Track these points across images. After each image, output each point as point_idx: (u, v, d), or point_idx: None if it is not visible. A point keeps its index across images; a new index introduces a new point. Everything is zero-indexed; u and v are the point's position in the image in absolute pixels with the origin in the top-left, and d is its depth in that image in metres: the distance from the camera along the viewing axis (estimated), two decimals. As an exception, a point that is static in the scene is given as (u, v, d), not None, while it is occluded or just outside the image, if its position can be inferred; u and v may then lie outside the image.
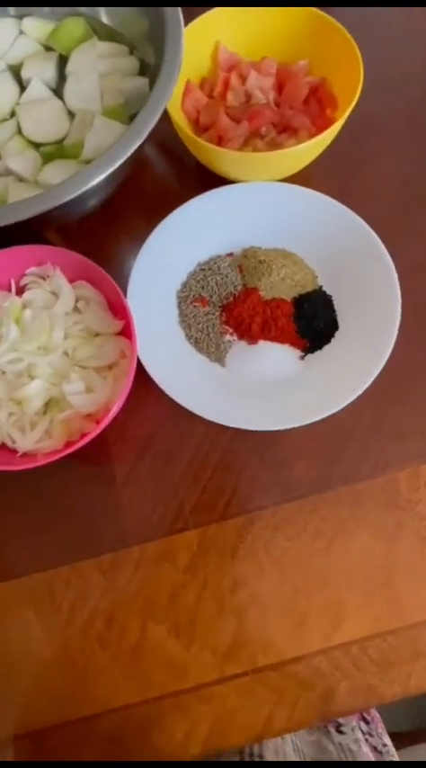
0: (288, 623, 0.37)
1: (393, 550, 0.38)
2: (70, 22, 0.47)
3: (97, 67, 0.46)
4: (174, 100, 0.45)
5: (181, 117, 0.44)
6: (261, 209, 0.45)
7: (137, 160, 0.38)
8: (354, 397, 0.38)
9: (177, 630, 0.38)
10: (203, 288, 0.44)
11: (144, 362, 0.39)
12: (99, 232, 0.47)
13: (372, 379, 0.38)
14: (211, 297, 0.44)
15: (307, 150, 0.40)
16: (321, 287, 0.44)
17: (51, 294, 0.40)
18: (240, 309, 0.43)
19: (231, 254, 0.46)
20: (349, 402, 0.38)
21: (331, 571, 0.38)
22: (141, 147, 0.36)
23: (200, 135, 0.46)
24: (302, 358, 0.42)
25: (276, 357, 0.42)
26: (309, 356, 0.42)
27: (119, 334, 0.40)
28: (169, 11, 0.40)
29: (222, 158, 0.41)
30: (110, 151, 0.35)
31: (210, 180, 0.45)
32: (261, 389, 0.42)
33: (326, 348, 0.42)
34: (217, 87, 0.44)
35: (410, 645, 0.36)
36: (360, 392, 0.38)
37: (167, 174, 0.50)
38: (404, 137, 0.49)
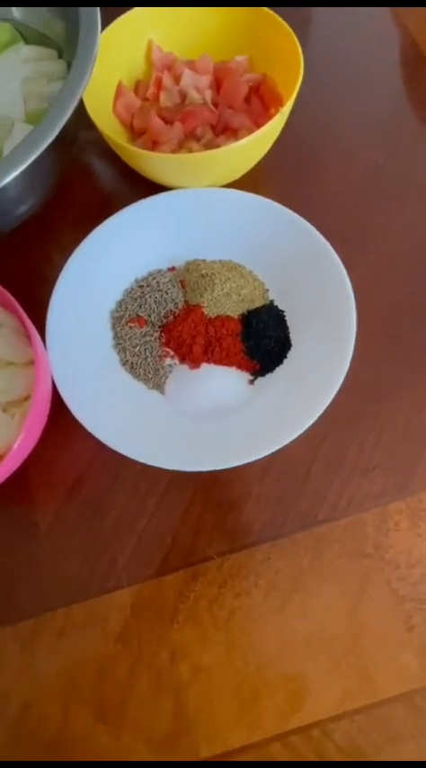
0: (236, 703, 0.31)
1: (360, 608, 0.32)
2: (-5, 28, 0.44)
3: (20, 73, 0.42)
4: (104, 104, 0.41)
5: (110, 121, 0.40)
6: (205, 218, 0.40)
7: (68, 167, 0.34)
8: (309, 423, 0.32)
9: (105, 715, 0.31)
10: (141, 306, 0.39)
11: (65, 397, 0.33)
12: (29, 247, 0.43)
13: (328, 401, 0.33)
14: (150, 316, 0.39)
15: (246, 149, 0.35)
16: (272, 301, 0.39)
17: None
18: (180, 329, 0.38)
19: (173, 269, 0.41)
20: (303, 431, 0.32)
21: (287, 635, 0.32)
22: (64, 152, 0.32)
23: (135, 140, 0.42)
24: (251, 382, 0.37)
25: (222, 382, 0.37)
26: (260, 380, 0.37)
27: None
28: (85, 11, 0.36)
29: (152, 163, 0.37)
30: (8, 156, 0.31)
31: (152, 190, 0.40)
32: (206, 420, 0.36)
33: (278, 371, 0.37)
34: (150, 88, 0.40)
35: (383, 726, 0.30)
36: (316, 418, 0.32)
37: (106, 183, 0.46)
38: (353, 139, 0.45)
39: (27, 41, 0.45)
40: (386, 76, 0.49)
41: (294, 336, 0.38)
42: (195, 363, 0.37)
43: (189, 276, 0.40)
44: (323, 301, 0.37)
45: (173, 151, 0.38)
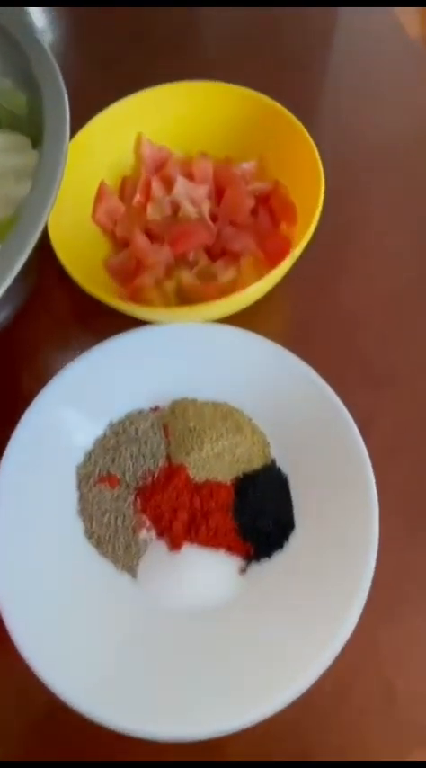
0: None
1: None
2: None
3: (-15, 168, 0.36)
4: (80, 215, 0.34)
5: (88, 231, 0.34)
6: (197, 355, 0.33)
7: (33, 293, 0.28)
8: (331, 656, 0.25)
9: None
10: (113, 461, 0.32)
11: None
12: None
13: (354, 619, 0.25)
14: (124, 474, 0.32)
15: (246, 297, 0.29)
16: (273, 461, 0.32)
17: None
18: (159, 498, 0.31)
19: (156, 409, 0.34)
20: (325, 668, 0.25)
21: None
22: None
23: (120, 251, 0.35)
24: (243, 571, 0.30)
25: (206, 572, 0.30)
26: (254, 567, 0.31)
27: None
28: (45, 79, 0.30)
29: (136, 312, 0.31)
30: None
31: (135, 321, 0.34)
32: (187, 620, 0.29)
33: (277, 558, 0.30)
34: (137, 195, 0.33)
35: None
36: (341, 645, 0.25)
37: (80, 302, 0.40)
38: (376, 257, 0.38)
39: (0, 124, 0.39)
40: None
41: (299, 511, 0.31)
42: (175, 545, 0.30)
43: (174, 423, 0.33)
44: (336, 470, 0.30)
45: (161, 278, 0.31)
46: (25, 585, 0.28)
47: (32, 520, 0.30)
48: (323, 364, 0.31)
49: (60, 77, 0.30)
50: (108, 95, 0.35)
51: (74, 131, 0.33)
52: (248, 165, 0.34)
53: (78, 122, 0.34)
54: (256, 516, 0.30)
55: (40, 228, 0.26)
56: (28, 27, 0.33)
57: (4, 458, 0.30)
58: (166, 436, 0.33)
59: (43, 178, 0.27)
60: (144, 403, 0.34)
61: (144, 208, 0.34)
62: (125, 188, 0.35)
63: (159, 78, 0.35)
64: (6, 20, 0.33)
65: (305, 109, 0.34)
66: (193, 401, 0.34)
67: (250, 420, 0.33)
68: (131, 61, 0.48)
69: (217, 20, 0.51)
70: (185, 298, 0.31)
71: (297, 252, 0.28)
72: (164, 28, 0.50)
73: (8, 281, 0.25)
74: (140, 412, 0.34)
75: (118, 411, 0.34)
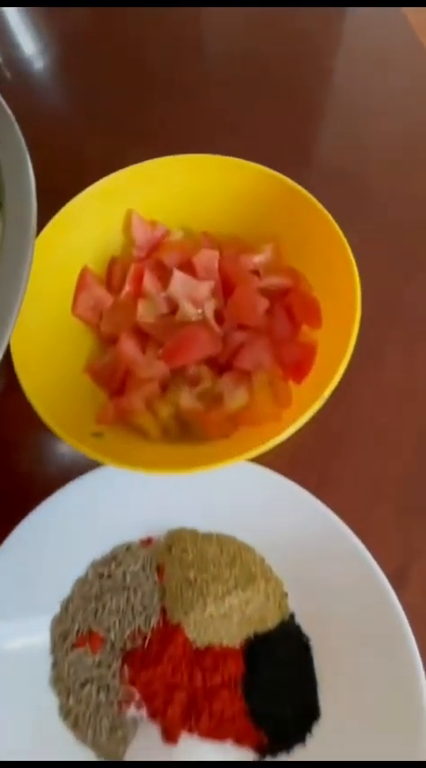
0: None
1: None
2: None
3: None
4: (52, 300, 0.28)
5: (68, 327, 0.28)
6: (199, 481, 0.28)
7: None
8: None
9: None
10: (96, 615, 0.26)
11: None
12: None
13: None
14: (108, 632, 0.27)
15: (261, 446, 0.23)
16: (292, 617, 0.27)
17: None
18: (152, 673, 0.25)
19: (149, 541, 0.28)
20: None
21: None
22: None
23: (105, 348, 0.29)
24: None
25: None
26: (269, 763, 0.25)
27: None
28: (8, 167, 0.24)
29: (108, 463, 0.24)
30: None
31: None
32: None
33: (299, 753, 0.24)
34: (126, 285, 0.28)
35: None
36: None
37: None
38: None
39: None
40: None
41: (324, 687, 0.25)
42: (171, 737, 0.24)
43: (171, 568, 0.27)
44: (367, 634, 0.24)
45: (150, 400, 0.25)
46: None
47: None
48: (346, 501, 0.26)
49: (18, 133, 0.25)
50: (93, 164, 0.29)
51: (51, 205, 0.28)
52: (259, 258, 0.27)
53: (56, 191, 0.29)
54: (271, 698, 0.25)
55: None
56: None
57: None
58: (160, 579, 0.28)
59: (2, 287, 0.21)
60: (133, 533, 0.28)
61: (134, 302, 0.27)
62: (113, 272, 0.29)
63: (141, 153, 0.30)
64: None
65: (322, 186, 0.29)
66: (193, 533, 0.28)
67: (263, 561, 0.27)
68: (125, 127, 0.42)
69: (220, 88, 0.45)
70: (183, 422, 0.26)
71: (327, 393, 0.22)
72: (165, 97, 0.44)
73: None
74: (129, 547, 0.28)
75: (102, 545, 0.28)
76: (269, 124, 0.42)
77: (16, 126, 0.24)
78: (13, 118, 0.24)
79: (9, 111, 0.25)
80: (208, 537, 0.28)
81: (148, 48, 0.47)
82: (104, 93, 0.45)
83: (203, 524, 0.28)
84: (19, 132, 0.24)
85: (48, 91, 0.47)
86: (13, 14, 0.51)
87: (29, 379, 0.24)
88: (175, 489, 0.28)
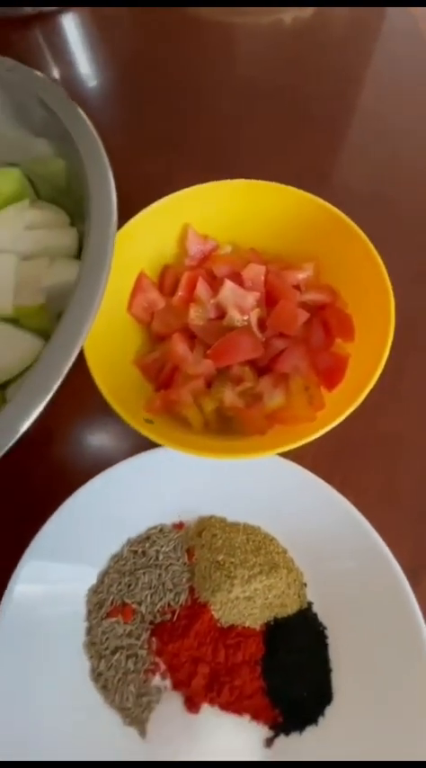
0: None
1: None
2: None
3: (19, 244, 0.33)
4: (111, 299, 0.31)
5: (124, 324, 0.31)
6: (230, 474, 0.30)
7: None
8: None
9: None
10: (129, 588, 0.29)
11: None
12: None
13: None
14: (140, 604, 0.29)
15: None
16: (310, 605, 0.29)
17: None
18: (179, 645, 0.27)
19: (181, 525, 0.31)
20: None
21: None
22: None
23: (154, 345, 0.32)
24: (269, 742, 0.26)
25: (226, 741, 0.26)
26: (281, 739, 0.26)
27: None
28: (83, 143, 0.27)
29: (157, 440, 0.26)
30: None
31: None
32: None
33: (311, 733, 0.26)
34: (179, 290, 0.31)
35: None
36: None
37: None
38: None
39: (39, 195, 0.37)
40: None
41: (338, 672, 0.27)
42: (194, 707, 0.26)
43: (200, 551, 0.29)
44: (382, 626, 0.26)
45: (196, 394, 0.28)
46: (20, 737, 0.25)
47: (36, 650, 0.26)
48: (364, 502, 0.28)
49: (100, 144, 0.28)
50: (148, 180, 0.33)
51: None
52: (303, 276, 0.31)
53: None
54: (287, 679, 0.26)
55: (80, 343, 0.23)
56: (62, 96, 0.31)
57: (19, 567, 0.27)
58: (190, 560, 0.30)
59: (84, 295, 0.24)
60: (166, 517, 0.31)
61: (185, 305, 0.30)
62: (165, 278, 0.32)
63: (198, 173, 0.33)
64: (43, 91, 0.31)
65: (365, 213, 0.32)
66: (222, 521, 0.30)
67: (285, 552, 0.30)
68: (173, 147, 0.45)
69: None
70: (224, 417, 0.28)
71: (368, 388, 0.25)
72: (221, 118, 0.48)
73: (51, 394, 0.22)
74: (162, 529, 0.30)
75: (138, 525, 0.30)
76: (308, 153, 0.45)
77: (102, 149, 0.27)
78: (99, 141, 0.27)
79: (94, 133, 0.28)
80: (235, 525, 0.30)
81: (199, 77, 0.51)
82: (151, 113, 0.48)
83: (231, 514, 0.31)
84: (104, 155, 0.27)
85: (98, 110, 0.51)
86: (73, 33, 0.55)
87: (98, 369, 0.27)
88: (207, 480, 0.30)
